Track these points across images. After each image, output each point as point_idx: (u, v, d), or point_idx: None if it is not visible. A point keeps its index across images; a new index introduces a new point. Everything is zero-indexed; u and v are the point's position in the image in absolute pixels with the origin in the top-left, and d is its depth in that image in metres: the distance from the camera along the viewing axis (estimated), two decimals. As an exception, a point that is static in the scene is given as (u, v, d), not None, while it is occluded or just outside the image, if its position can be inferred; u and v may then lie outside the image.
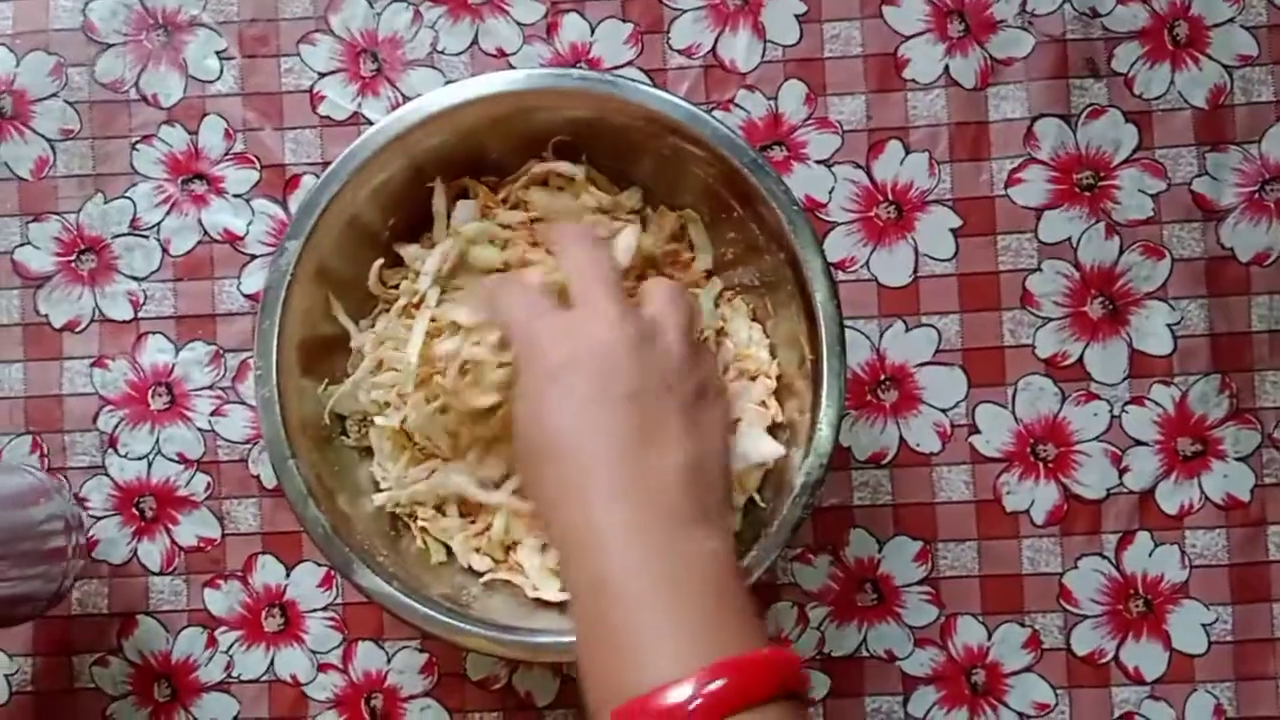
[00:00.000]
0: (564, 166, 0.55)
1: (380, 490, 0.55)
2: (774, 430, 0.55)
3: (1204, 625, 0.60)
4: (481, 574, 0.55)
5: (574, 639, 0.49)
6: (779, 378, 0.55)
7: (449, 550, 0.56)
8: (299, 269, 0.52)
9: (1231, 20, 0.61)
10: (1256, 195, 0.61)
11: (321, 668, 0.60)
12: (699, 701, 0.36)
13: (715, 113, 0.58)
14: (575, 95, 0.52)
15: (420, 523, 0.55)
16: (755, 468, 0.54)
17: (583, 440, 0.42)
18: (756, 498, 0.54)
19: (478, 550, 0.55)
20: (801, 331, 0.53)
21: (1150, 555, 0.60)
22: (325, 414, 0.55)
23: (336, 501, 0.52)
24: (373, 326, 0.56)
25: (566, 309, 0.46)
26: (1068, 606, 0.60)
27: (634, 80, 0.53)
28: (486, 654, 0.52)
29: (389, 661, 0.60)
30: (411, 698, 0.60)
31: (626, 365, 0.43)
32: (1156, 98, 0.61)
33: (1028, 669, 0.60)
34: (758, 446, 0.53)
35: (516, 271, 0.53)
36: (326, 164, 0.61)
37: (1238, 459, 0.60)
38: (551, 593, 0.53)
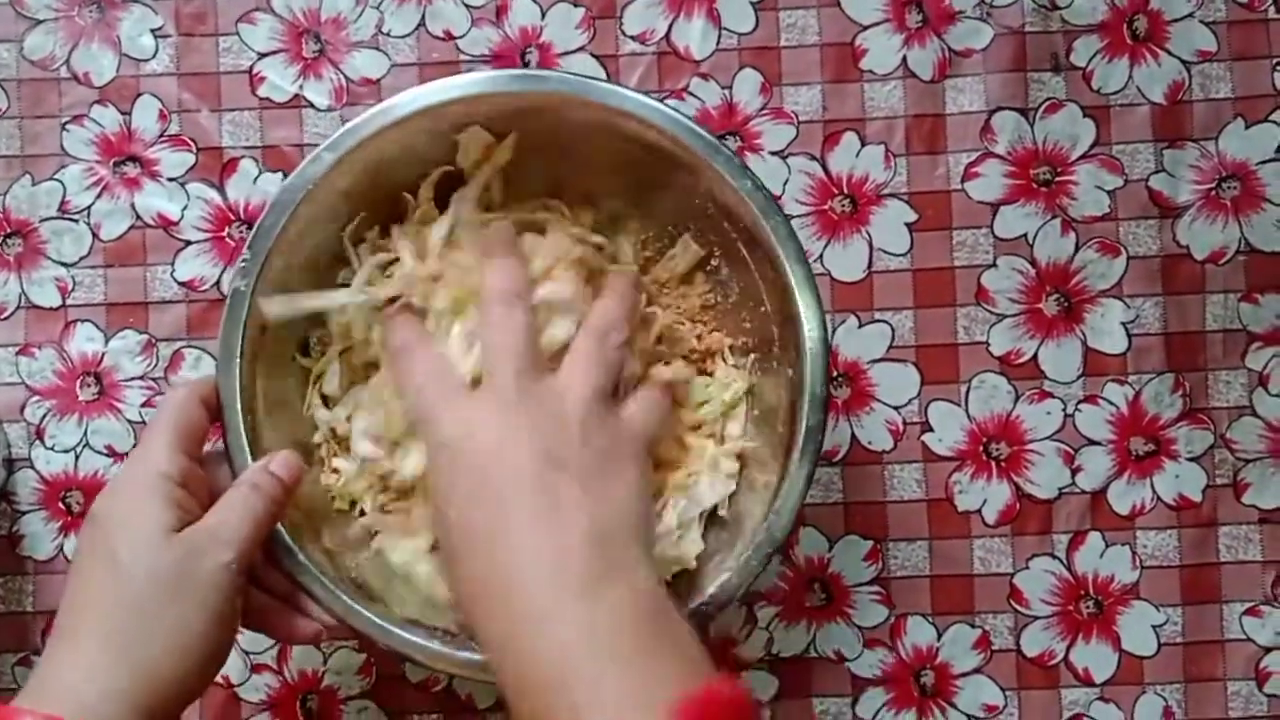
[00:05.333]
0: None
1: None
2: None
3: (1154, 626, 0.59)
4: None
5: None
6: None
7: (353, 504, 0.53)
8: (330, 177, 0.49)
9: (1191, 15, 0.60)
10: (1213, 193, 0.60)
11: (255, 668, 0.59)
12: None
13: (668, 101, 0.56)
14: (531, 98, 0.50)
15: (334, 465, 0.53)
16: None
17: (475, 539, 0.43)
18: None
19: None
20: (783, 380, 0.51)
21: (1101, 556, 0.59)
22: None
23: (257, 416, 0.50)
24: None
25: (469, 391, 0.47)
26: (1018, 607, 0.59)
27: (588, 76, 0.51)
28: (418, 664, 0.50)
29: (326, 662, 0.59)
30: (349, 699, 0.59)
31: (512, 455, 0.44)
32: (1115, 92, 0.60)
33: (977, 670, 0.59)
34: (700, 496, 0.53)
35: (428, 337, 0.50)
36: (266, 147, 0.59)
37: (1190, 459, 0.60)
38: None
